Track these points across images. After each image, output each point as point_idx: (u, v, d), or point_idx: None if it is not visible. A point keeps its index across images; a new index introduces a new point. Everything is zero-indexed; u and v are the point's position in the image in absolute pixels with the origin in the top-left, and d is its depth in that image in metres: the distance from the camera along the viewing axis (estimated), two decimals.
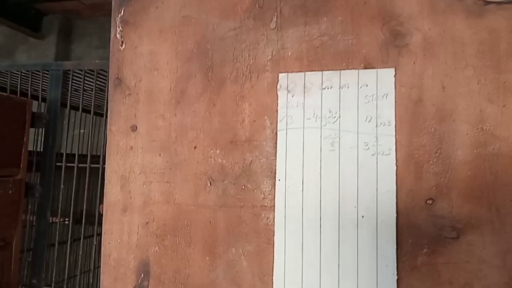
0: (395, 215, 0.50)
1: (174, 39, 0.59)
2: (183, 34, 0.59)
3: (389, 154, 0.51)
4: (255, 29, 0.57)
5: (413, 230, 0.50)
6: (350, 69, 0.53)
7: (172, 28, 0.60)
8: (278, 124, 0.55)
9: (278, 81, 0.55)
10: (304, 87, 0.54)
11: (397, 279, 0.49)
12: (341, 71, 0.53)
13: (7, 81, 1.47)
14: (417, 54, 0.52)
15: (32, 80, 1.45)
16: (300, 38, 0.55)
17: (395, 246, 0.50)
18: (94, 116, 1.52)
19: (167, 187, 0.58)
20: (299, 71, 0.54)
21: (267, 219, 0.54)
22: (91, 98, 1.45)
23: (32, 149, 1.39)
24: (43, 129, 1.39)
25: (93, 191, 1.41)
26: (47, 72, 1.41)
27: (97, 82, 1.38)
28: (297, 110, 0.54)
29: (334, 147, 0.53)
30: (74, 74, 1.38)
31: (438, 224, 0.49)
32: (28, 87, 1.45)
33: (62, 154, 1.40)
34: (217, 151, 0.56)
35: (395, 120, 0.51)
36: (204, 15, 0.58)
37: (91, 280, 1.40)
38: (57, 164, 1.38)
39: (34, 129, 1.40)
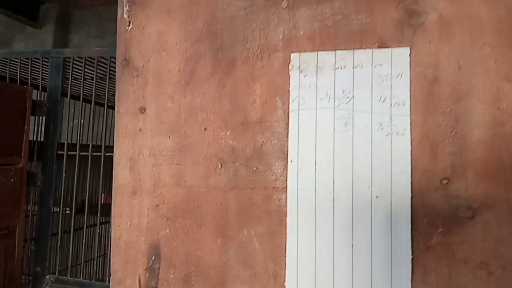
0: (409, 195, 0.50)
1: (183, 19, 0.58)
2: (192, 14, 0.58)
3: (403, 134, 0.51)
4: (266, 8, 0.55)
5: (428, 210, 0.49)
6: (364, 48, 0.52)
7: (180, 7, 0.58)
8: (290, 105, 0.54)
9: (290, 61, 0.54)
10: (317, 67, 0.53)
11: (412, 259, 0.49)
12: (355, 51, 0.52)
13: (6, 69, 1.45)
14: (432, 33, 0.51)
15: (31, 68, 1.43)
16: (313, 17, 0.54)
17: (410, 226, 0.50)
18: (94, 106, 1.50)
19: (177, 169, 0.57)
20: (311, 51, 0.53)
21: (279, 200, 0.54)
22: (91, 87, 1.44)
23: (31, 139, 1.38)
24: (43, 118, 1.38)
25: (94, 181, 1.41)
26: (46, 60, 1.39)
27: (97, 70, 1.36)
28: (310, 90, 0.53)
29: (347, 127, 0.52)
30: (73, 63, 1.36)
31: (454, 204, 0.49)
32: (27, 75, 1.43)
33: (63, 144, 1.39)
34: (228, 133, 0.56)
35: (410, 100, 0.51)
36: None
37: (95, 268, 1.41)
38: (59, 152, 1.37)
39: (34, 118, 1.38)
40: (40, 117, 1.40)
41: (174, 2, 0.59)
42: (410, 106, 0.51)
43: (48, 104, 1.35)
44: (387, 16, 0.52)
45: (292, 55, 0.54)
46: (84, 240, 1.35)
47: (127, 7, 0.60)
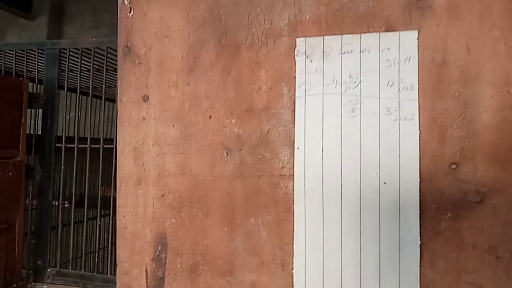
0: (418, 180, 0.50)
1: (186, 4, 0.57)
2: None
3: (412, 119, 0.51)
4: None
5: (437, 195, 0.50)
6: (371, 32, 0.52)
7: None
8: (296, 91, 0.54)
9: (295, 46, 0.54)
10: (323, 52, 0.53)
11: (420, 245, 0.50)
12: (362, 35, 0.52)
13: (1, 62, 1.44)
14: (441, 15, 0.50)
15: (26, 60, 1.41)
16: (318, 1, 0.53)
17: (418, 212, 0.50)
18: (91, 98, 1.49)
19: (182, 158, 0.57)
20: (317, 36, 0.53)
21: (286, 188, 0.54)
22: (87, 79, 1.43)
23: (28, 132, 1.37)
24: (39, 111, 1.37)
25: (93, 174, 1.41)
26: (41, 52, 1.38)
27: (94, 62, 1.35)
28: (316, 76, 0.53)
29: (355, 113, 0.52)
30: (69, 54, 1.35)
31: (462, 189, 0.49)
32: (22, 67, 1.42)
33: (60, 137, 1.39)
34: (233, 121, 0.56)
35: (418, 84, 0.51)
36: None
37: (96, 260, 1.42)
38: (57, 145, 1.36)
39: (30, 111, 1.37)
40: (37, 110, 1.39)
41: None
42: (418, 90, 0.50)
43: (44, 96, 1.34)
44: None
45: (298, 40, 0.54)
46: (84, 233, 1.36)
47: None
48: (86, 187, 1.32)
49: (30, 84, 1.39)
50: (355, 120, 0.52)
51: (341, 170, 0.53)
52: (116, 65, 1.36)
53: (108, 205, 1.41)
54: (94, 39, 1.36)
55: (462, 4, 0.50)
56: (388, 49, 0.52)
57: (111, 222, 1.50)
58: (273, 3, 0.55)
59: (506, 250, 0.48)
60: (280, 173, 0.54)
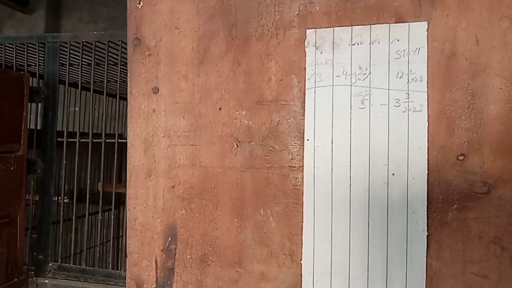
0: (426, 172, 0.52)
1: None
2: None
3: (420, 111, 0.53)
4: None
5: (444, 187, 0.52)
6: (381, 23, 0.54)
7: None
8: (306, 82, 0.56)
9: (305, 38, 0.56)
10: (333, 43, 0.55)
11: (427, 235, 0.52)
12: (372, 26, 0.54)
13: (1, 55, 1.45)
14: (450, 6, 0.52)
15: (23, 54, 1.43)
16: None
17: (426, 203, 0.52)
18: (93, 93, 1.51)
19: (192, 150, 0.59)
20: (327, 27, 0.55)
21: (296, 179, 0.56)
22: (87, 73, 1.44)
23: (29, 127, 1.39)
24: (39, 106, 1.39)
25: (94, 169, 1.43)
26: (41, 46, 1.39)
27: (93, 56, 1.36)
28: (326, 67, 0.55)
29: (364, 104, 0.54)
30: (66, 48, 1.36)
31: (469, 180, 0.51)
32: (22, 62, 1.44)
33: (60, 132, 1.41)
34: (243, 112, 0.58)
35: (427, 76, 0.53)
36: None
37: (98, 255, 1.45)
38: (58, 140, 1.38)
39: (30, 106, 1.39)
40: (37, 106, 1.41)
41: None
42: (427, 82, 0.53)
43: (45, 90, 1.36)
44: None
45: (308, 31, 0.56)
46: (86, 228, 1.38)
47: None
48: (88, 181, 1.34)
49: (31, 78, 1.41)
50: (364, 112, 0.54)
51: (350, 161, 0.55)
52: (117, 59, 1.38)
53: (108, 201, 1.44)
54: (95, 32, 1.38)
55: None
56: (398, 40, 0.54)
57: (112, 217, 1.53)
58: None
59: (511, 240, 0.50)
60: (289, 164, 0.57)
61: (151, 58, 0.60)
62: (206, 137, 0.59)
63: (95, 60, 1.38)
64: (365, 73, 0.54)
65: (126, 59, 1.39)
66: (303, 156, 0.56)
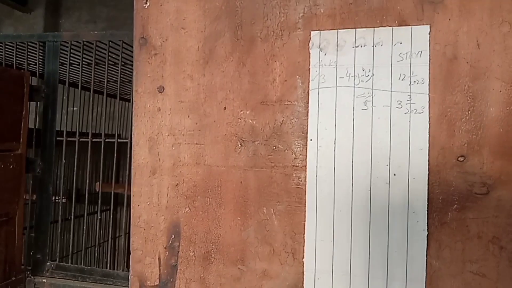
0: (426, 172, 0.54)
1: None
2: None
3: (422, 112, 0.55)
4: None
5: (444, 187, 0.54)
6: (384, 26, 0.56)
7: None
8: (310, 83, 0.58)
9: (310, 39, 0.58)
10: (337, 45, 0.57)
11: (427, 235, 0.54)
12: (375, 29, 0.56)
13: (1, 54, 1.47)
14: (452, 10, 0.54)
15: (21, 53, 1.44)
16: None
17: (426, 203, 0.54)
18: (88, 92, 1.52)
19: (196, 148, 0.61)
20: (331, 29, 0.57)
21: (299, 179, 0.58)
22: (86, 73, 1.45)
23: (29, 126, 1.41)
24: (37, 105, 1.40)
25: (93, 168, 1.44)
26: (41, 45, 1.41)
27: (93, 55, 1.37)
28: (330, 68, 0.57)
29: (367, 106, 0.56)
30: (67, 48, 1.37)
31: (469, 181, 0.53)
32: (22, 61, 1.45)
33: (59, 131, 1.42)
34: (247, 112, 0.60)
35: (429, 78, 0.55)
36: None
37: (96, 254, 1.46)
38: (58, 139, 1.40)
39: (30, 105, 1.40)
40: (37, 105, 1.43)
41: None
42: (429, 84, 0.55)
43: (45, 89, 1.37)
44: None
45: (312, 33, 0.57)
46: (84, 227, 1.40)
47: None
48: (87, 181, 1.36)
49: (30, 77, 1.42)
50: (367, 113, 0.56)
51: (352, 161, 0.57)
52: (117, 59, 1.39)
53: (107, 201, 1.45)
54: (96, 32, 1.39)
55: None
56: (401, 43, 0.56)
57: (111, 217, 1.54)
58: None
59: (509, 240, 0.52)
60: (292, 164, 0.59)
61: (157, 58, 0.62)
62: (211, 136, 0.61)
63: (96, 60, 1.39)
64: (368, 75, 0.56)
65: (126, 59, 1.41)
66: (306, 156, 0.58)
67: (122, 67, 1.38)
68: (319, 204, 0.58)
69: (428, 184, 0.55)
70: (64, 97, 1.43)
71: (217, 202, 0.61)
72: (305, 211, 0.58)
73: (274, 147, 0.59)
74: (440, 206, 0.55)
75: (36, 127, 1.41)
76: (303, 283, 0.58)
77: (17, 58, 1.45)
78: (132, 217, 0.64)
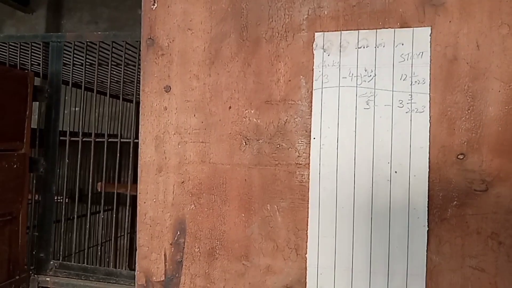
0: (427, 170, 0.56)
1: None
2: None
3: (423, 112, 0.57)
4: None
5: (444, 184, 0.56)
6: (387, 28, 0.57)
7: None
8: (313, 83, 0.59)
9: (314, 40, 0.59)
10: (340, 46, 0.59)
11: (428, 230, 0.56)
12: (378, 30, 0.58)
13: (4, 55, 1.48)
14: (453, 12, 0.56)
15: (25, 54, 1.46)
16: None
17: (427, 200, 0.56)
18: (90, 93, 1.54)
19: (202, 147, 0.63)
20: (335, 30, 0.59)
21: (302, 176, 0.60)
22: (90, 74, 1.47)
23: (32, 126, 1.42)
24: (40, 105, 1.42)
25: (95, 168, 1.46)
26: (45, 45, 1.42)
27: (92, 56, 1.39)
28: (333, 69, 0.59)
29: (369, 105, 0.58)
30: (70, 49, 1.39)
31: (468, 178, 0.55)
32: (26, 61, 1.47)
33: (62, 131, 1.44)
34: (252, 111, 0.61)
35: (430, 78, 0.56)
36: None
37: (99, 253, 1.48)
38: (61, 139, 1.41)
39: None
40: (40, 105, 1.45)
41: None
42: (430, 84, 0.56)
43: (49, 89, 1.39)
44: None
45: (316, 34, 0.59)
46: (88, 226, 1.41)
47: None
48: (90, 181, 1.37)
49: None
50: (369, 112, 0.58)
51: (354, 159, 0.59)
52: (120, 60, 1.41)
53: (107, 201, 1.47)
54: (99, 33, 1.41)
55: (473, 2, 0.56)
56: (402, 44, 0.57)
57: (113, 216, 1.56)
58: None
59: (508, 236, 0.54)
60: (296, 162, 0.60)
61: (164, 58, 0.64)
62: (216, 134, 0.63)
63: (99, 61, 1.41)
64: (370, 75, 0.58)
65: (129, 60, 1.42)
66: (309, 154, 0.60)
67: (125, 67, 1.40)
68: (321, 201, 0.60)
69: (428, 181, 0.56)
70: (68, 97, 1.45)
71: (222, 199, 0.63)
72: (308, 208, 0.60)
73: (278, 146, 0.61)
74: (440, 203, 0.56)
75: (38, 126, 1.43)
76: (306, 278, 0.60)
77: (20, 59, 1.47)
78: (139, 214, 0.66)
